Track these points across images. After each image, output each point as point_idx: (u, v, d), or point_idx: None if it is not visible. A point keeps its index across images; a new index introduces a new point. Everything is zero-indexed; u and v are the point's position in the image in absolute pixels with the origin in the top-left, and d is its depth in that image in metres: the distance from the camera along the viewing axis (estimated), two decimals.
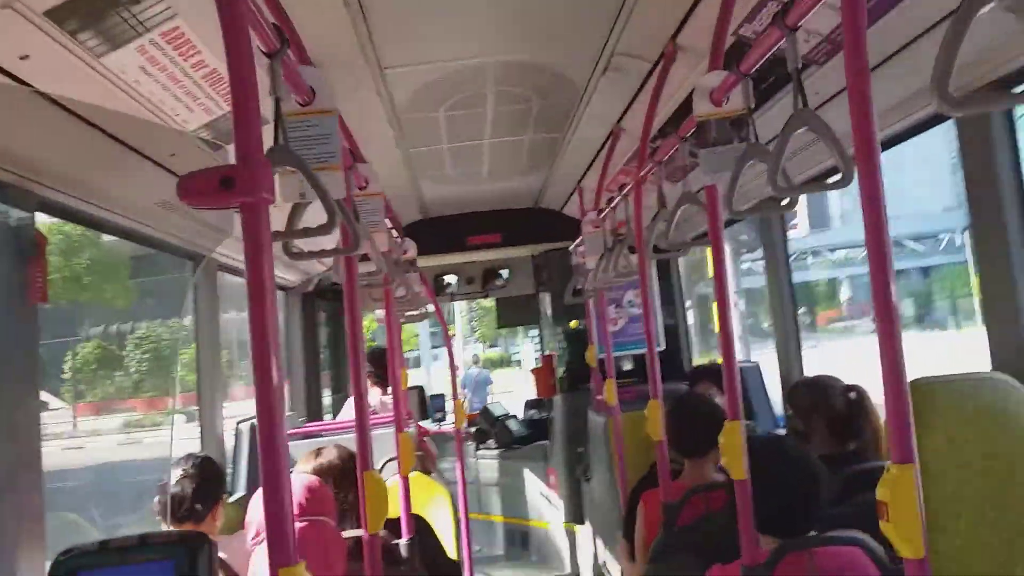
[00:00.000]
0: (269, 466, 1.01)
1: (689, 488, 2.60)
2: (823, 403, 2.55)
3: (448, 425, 5.83)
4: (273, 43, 1.29)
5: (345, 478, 2.09)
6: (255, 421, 4.12)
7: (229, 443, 3.80)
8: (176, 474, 2.31)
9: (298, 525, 1.70)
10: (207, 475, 2.44)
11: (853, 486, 2.38)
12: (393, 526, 2.45)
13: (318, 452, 2.40)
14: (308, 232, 1.34)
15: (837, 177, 1.44)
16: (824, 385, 2.59)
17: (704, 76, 1.86)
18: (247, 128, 1.02)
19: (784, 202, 1.69)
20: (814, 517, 1.92)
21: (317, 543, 1.71)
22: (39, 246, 2.20)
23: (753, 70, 1.69)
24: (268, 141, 1.40)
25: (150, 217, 2.79)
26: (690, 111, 2.15)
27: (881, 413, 2.65)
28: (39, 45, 1.63)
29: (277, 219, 1.39)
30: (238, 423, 3.97)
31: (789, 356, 3.58)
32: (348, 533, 2.02)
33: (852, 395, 2.50)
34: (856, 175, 1.21)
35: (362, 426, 1.79)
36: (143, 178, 2.55)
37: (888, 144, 2.41)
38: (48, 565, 1.97)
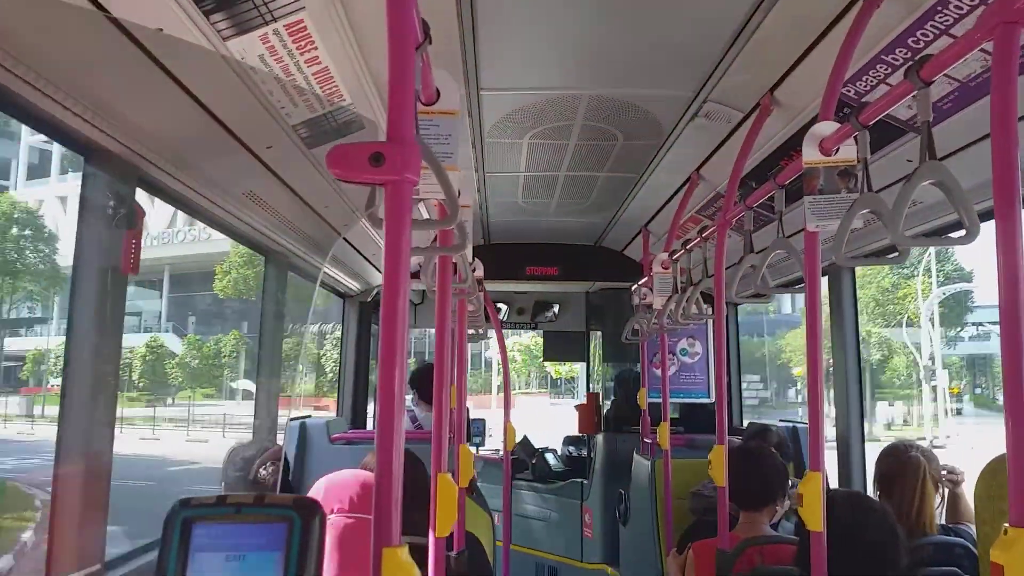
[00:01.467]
0: (384, 451, 1.01)
1: (743, 539, 2.54)
2: (879, 465, 2.52)
3: (485, 451, 5.79)
4: (419, 37, 1.32)
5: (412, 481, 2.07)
6: (305, 420, 4.17)
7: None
8: (267, 465, 2.31)
9: (345, 517, 1.69)
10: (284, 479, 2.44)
11: (920, 557, 2.31)
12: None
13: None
14: (432, 223, 1.35)
15: (962, 233, 1.41)
16: (895, 448, 2.55)
17: (816, 125, 1.86)
18: (401, 108, 1.04)
19: (894, 254, 1.66)
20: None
21: (364, 539, 1.70)
22: (137, 218, 2.25)
23: (873, 122, 1.68)
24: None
25: (237, 207, 2.85)
26: (776, 163, 2.16)
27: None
28: (175, 19, 1.68)
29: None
30: (289, 420, 4.00)
31: (850, 418, 3.50)
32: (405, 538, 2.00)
33: (904, 456, 2.46)
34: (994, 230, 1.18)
35: (439, 433, 1.78)
36: (237, 167, 2.61)
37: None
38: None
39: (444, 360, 1.84)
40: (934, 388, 28.99)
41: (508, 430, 4.63)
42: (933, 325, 29.58)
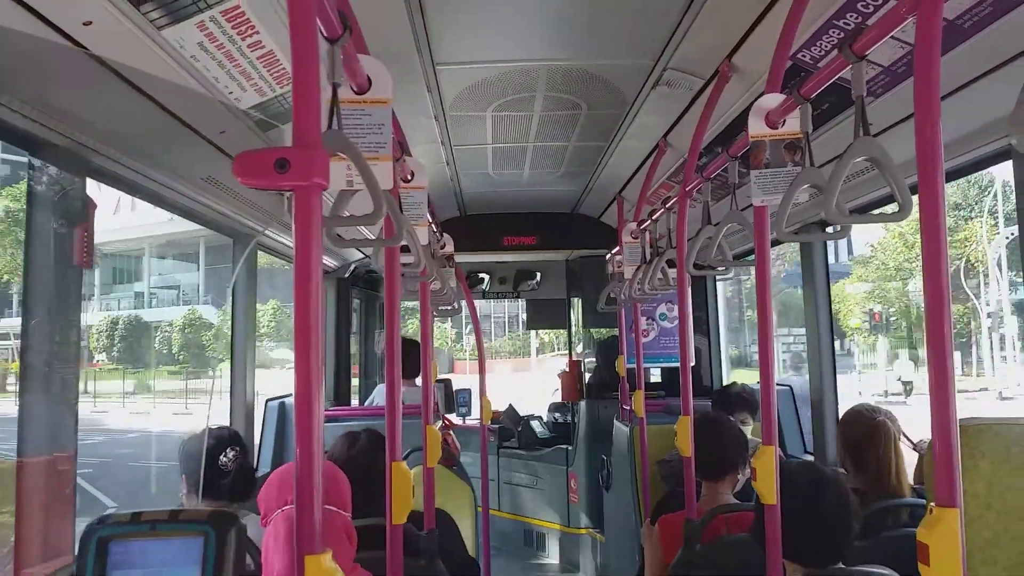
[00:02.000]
0: (304, 449, 1.01)
1: (711, 509, 2.57)
2: (845, 432, 2.53)
3: (473, 420, 5.84)
4: (336, 29, 1.29)
5: (373, 463, 2.08)
6: (284, 400, 4.18)
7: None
8: (226, 452, 2.29)
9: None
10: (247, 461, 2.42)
11: (877, 522, 2.34)
12: (415, 517, 2.45)
13: (355, 435, 2.40)
14: (355, 220, 1.34)
15: (894, 209, 1.40)
16: (853, 413, 2.56)
17: (762, 97, 1.83)
18: (306, 113, 1.02)
19: (834, 229, 1.65)
20: (845, 549, 1.88)
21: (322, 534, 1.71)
22: (88, 211, 2.23)
23: (814, 95, 1.66)
24: (323, 125, 1.41)
25: (197, 192, 2.82)
26: (739, 130, 2.13)
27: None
28: (102, 12, 1.65)
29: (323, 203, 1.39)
30: (267, 401, 4.01)
31: (823, 382, 3.52)
32: (368, 521, 2.01)
33: (871, 422, 2.46)
34: (917, 207, 1.17)
35: (393, 417, 1.78)
36: (192, 153, 2.58)
37: (949, 177, 2.37)
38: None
39: (395, 343, 1.84)
40: (1002, 336, 27.13)
41: (484, 404, 4.65)
42: (1001, 270, 27.39)
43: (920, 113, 1.16)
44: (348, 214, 1.39)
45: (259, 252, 3.86)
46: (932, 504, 1.14)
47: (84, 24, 1.69)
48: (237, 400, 3.57)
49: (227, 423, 3.44)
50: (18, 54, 1.76)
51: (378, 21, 2.30)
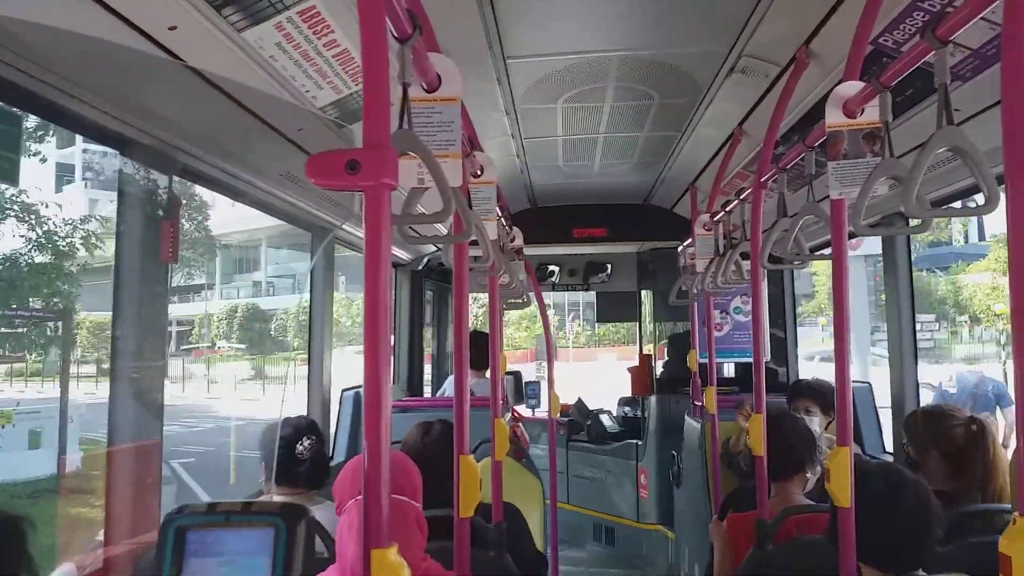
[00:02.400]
0: (372, 445, 1.03)
1: (782, 510, 2.51)
2: (940, 434, 2.41)
3: (542, 413, 5.86)
4: (406, 29, 1.31)
5: (443, 455, 2.11)
6: (359, 389, 4.28)
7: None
8: (303, 440, 2.36)
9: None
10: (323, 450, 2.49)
11: (965, 527, 2.24)
12: (483, 510, 2.48)
13: (428, 426, 2.45)
14: (424, 218, 1.36)
15: (980, 201, 1.34)
16: (943, 414, 2.45)
17: (839, 86, 1.78)
18: (376, 114, 1.04)
19: (916, 222, 1.59)
20: (925, 554, 1.82)
21: (391, 521, 1.74)
22: (174, 208, 2.33)
23: (895, 83, 1.59)
24: (394, 124, 1.43)
25: (276, 188, 2.91)
26: (817, 119, 2.07)
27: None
28: (186, 17, 1.71)
29: (395, 199, 1.42)
30: (343, 391, 4.11)
31: (904, 379, 3.40)
32: (438, 512, 2.04)
33: (973, 427, 2.35)
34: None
35: (461, 410, 1.81)
36: (271, 150, 2.66)
37: None
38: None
39: (463, 337, 1.86)
40: None
41: (552, 398, 4.65)
42: None
43: (1008, 97, 1.10)
44: (419, 211, 1.41)
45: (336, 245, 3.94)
46: (1016, 514, 1.09)
47: (169, 29, 1.76)
48: (314, 389, 3.67)
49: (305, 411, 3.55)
50: (107, 57, 1.84)
51: (449, 18, 2.32)
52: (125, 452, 2.15)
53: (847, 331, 1.84)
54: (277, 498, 2.29)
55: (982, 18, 1.38)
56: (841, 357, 1.83)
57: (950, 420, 2.40)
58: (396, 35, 1.32)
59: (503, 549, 2.39)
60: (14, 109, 1.92)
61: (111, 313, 2.23)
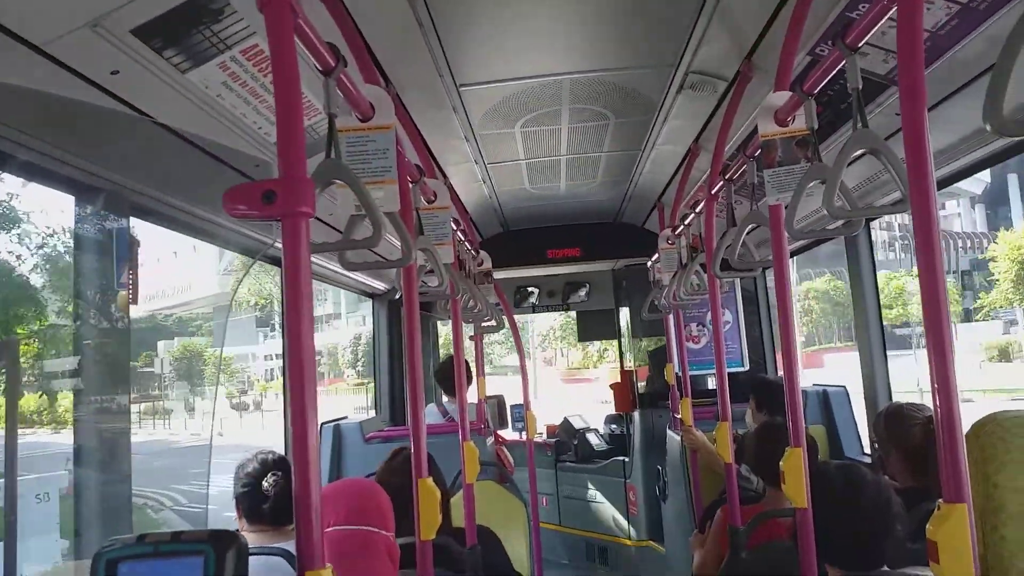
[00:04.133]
0: (300, 469, 1.05)
1: (756, 515, 2.53)
2: (900, 433, 2.43)
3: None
4: (328, 61, 1.35)
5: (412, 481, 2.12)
6: (339, 422, 4.26)
7: None
8: (268, 477, 2.35)
9: (340, 530, 1.74)
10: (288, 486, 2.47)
11: (925, 524, 2.26)
12: (460, 535, 2.48)
13: (394, 453, 2.45)
14: (351, 244, 1.38)
15: (898, 199, 1.38)
16: (903, 414, 2.47)
17: (770, 96, 1.83)
18: (290, 145, 1.07)
19: (842, 224, 1.62)
20: (887, 552, 1.83)
21: (360, 552, 1.75)
22: (132, 249, 2.35)
23: (817, 90, 1.64)
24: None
25: (241, 225, 2.93)
26: None
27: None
28: (127, 61, 1.75)
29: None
30: (322, 424, 4.10)
31: (875, 380, 3.44)
32: (409, 540, 2.05)
33: (931, 425, 2.37)
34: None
35: (417, 434, 1.82)
36: (227, 186, 2.68)
37: (947, 180, 2.33)
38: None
39: (416, 363, 1.88)
40: None
41: (528, 419, 4.66)
42: None
43: (907, 108, 1.15)
44: (351, 238, 1.44)
45: None
46: (940, 500, 1.12)
47: (112, 73, 1.80)
48: (295, 426, 3.66)
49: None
50: (55, 104, 1.87)
51: (398, 50, 2.37)
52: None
53: (793, 333, 1.87)
54: (247, 535, 2.28)
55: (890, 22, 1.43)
56: (789, 359, 1.86)
57: (909, 420, 2.42)
58: (320, 68, 1.36)
59: (478, 572, 2.39)
60: None
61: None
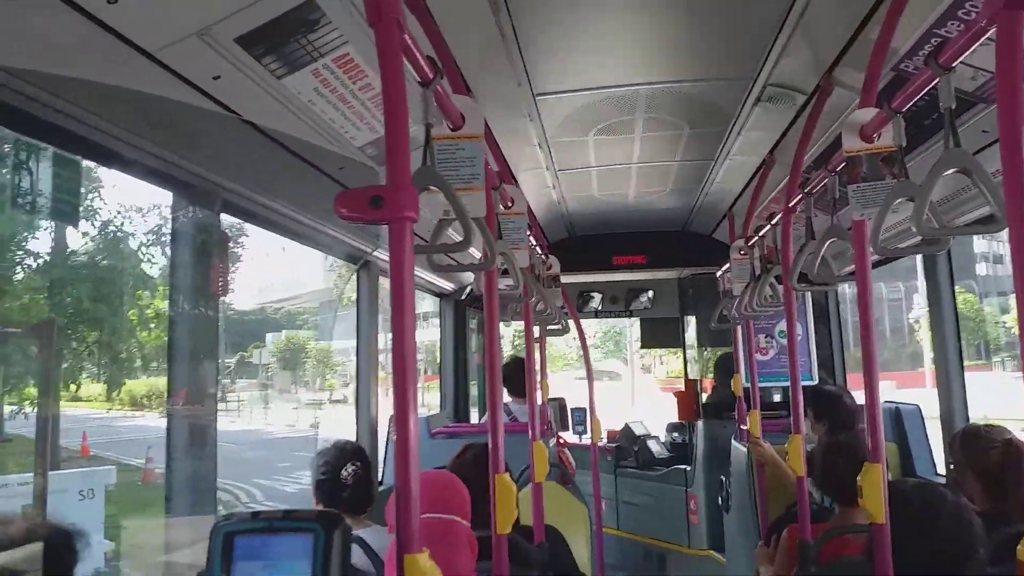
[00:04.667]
0: (401, 459, 1.10)
1: (825, 530, 2.50)
2: (976, 455, 2.39)
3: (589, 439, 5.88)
4: (427, 74, 1.41)
5: (479, 476, 2.17)
6: None
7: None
8: (347, 466, 2.44)
9: (425, 518, 1.80)
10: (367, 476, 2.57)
11: (1006, 548, 2.21)
12: (526, 532, 2.53)
13: (464, 449, 2.52)
14: (444, 247, 1.44)
15: (984, 215, 1.38)
16: (980, 436, 2.43)
17: (855, 112, 1.82)
18: (397, 154, 1.13)
19: (929, 242, 1.61)
20: (967, 572, 1.81)
21: (442, 540, 1.80)
22: (223, 244, 2.47)
23: (907, 108, 1.64)
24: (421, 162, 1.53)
25: (321, 223, 3.04)
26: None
27: None
28: (229, 67, 1.85)
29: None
30: (391, 417, 4.19)
31: (952, 400, 3.36)
32: (477, 533, 2.10)
33: (1010, 448, 2.32)
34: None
35: (495, 430, 1.87)
36: (315, 187, 2.79)
37: None
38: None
39: (495, 361, 1.93)
40: None
41: (593, 423, 4.68)
42: None
43: (1004, 121, 1.14)
44: (443, 242, 1.50)
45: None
46: None
47: (214, 79, 1.90)
48: (362, 416, 3.77)
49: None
50: (158, 105, 1.99)
51: (480, 61, 2.43)
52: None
53: (875, 350, 1.86)
54: None
55: (990, 39, 1.43)
56: (870, 376, 1.85)
57: (986, 442, 2.38)
58: (419, 80, 1.42)
59: (545, 569, 2.43)
60: (75, 156, 2.08)
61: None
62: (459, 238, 1.43)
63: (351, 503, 2.40)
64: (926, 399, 3.91)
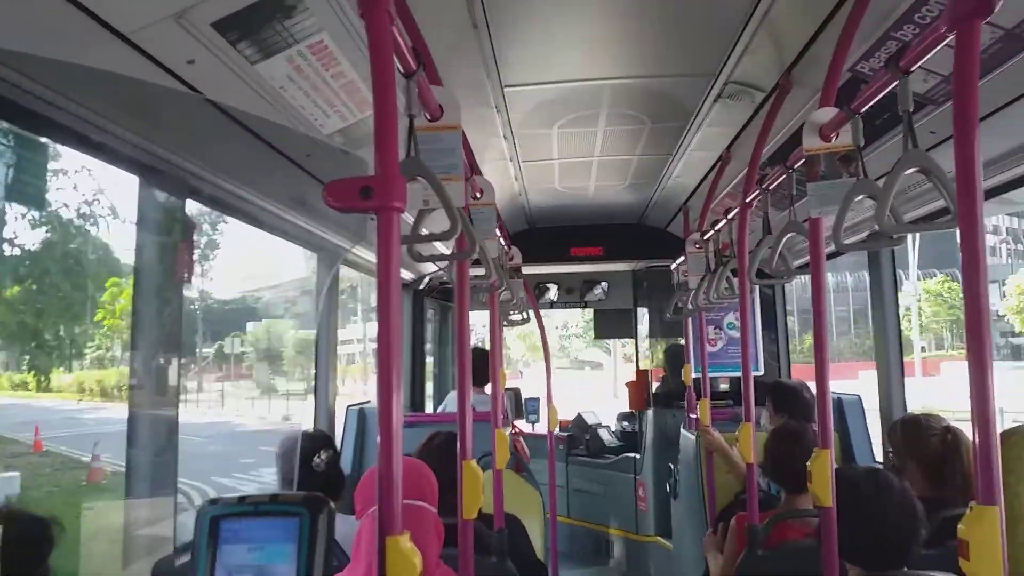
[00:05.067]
0: (384, 444, 1.13)
1: (773, 514, 2.60)
2: (917, 443, 2.51)
3: (541, 428, 5.96)
4: (411, 65, 1.43)
5: (445, 464, 2.20)
6: (363, 406, 4.37)
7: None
8: (320, 454, 2.44)
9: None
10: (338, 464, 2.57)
11: (948, 530, 2.33)
12: (486, 519, 2.57)
13: (431, 436, 2.54)
14: (433, 237, 1.47)
15: (947, 217, 1.46)
16: (920, 424, 2.55)
17: (815, 112, 1.90)
18: (386, 144, 1.15)
19: (891, 239, 1.70)
20: (910, 555, 1.91)
21: (412, 526, 1.82)
22: (188, 229, 2.44)
23: (864, 109, 1.71)
24: (401, 152, 1.55)
25: (286, 212, 3.03)
26: (800, 142, 2.20)
27: None
28: (203, 52, 1.84)
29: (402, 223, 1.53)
30: (348, 407, 4.20)
31: (891, 391, 3.51)
32: (443, 520, 2.13)
33: (948, 437, 2.45)
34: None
35: (463, 418, 1.90)
36: (282, 176, 2.78)
37: (996, 191, 2.40)
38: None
39: (465, 351, 1.97)
40: None
41: (551, 411, 4.75)
42: None
43: (959, 123, 1.22)
44: (426, 232, 1.52)
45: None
46: (973, 502, 1.19)
47: (188, 63, 1.89)
48: (320, 405, 3.77)
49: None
50: (128, 88, 1.96)
51: (450, 51, 2.45)
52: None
53: (826, 342, 1.94)
54: None
55: (948, 45, 1.51)
56: (821, 366, 1.93)
57: (926, 430, 2.49)
58: (402, 71, 1.44)
59: (504, 555, 2.48)
60: (41, 138, 2.04)
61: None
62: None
63: (324, 491, 2.40)
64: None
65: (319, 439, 2.51)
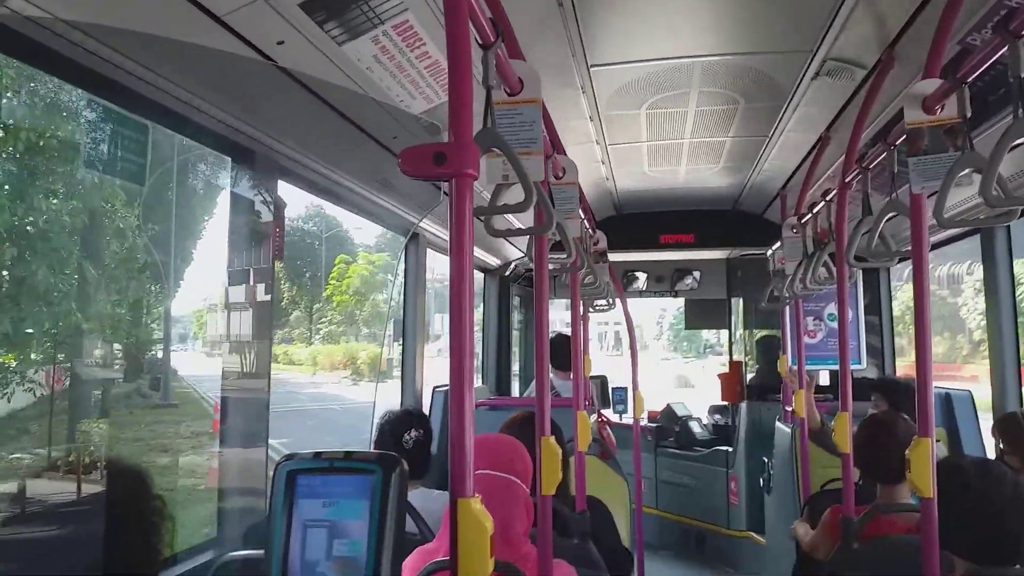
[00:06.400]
0: (456, 413, 1.13)
1: (871, 506, 2.49)
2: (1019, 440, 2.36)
3: (629, 418, 5.90)
4: (489, 36, 1.42)
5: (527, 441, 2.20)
6: (447, 389, 4.45)
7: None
8: (409, 432, 2.50)
9: (487, 474, 1.83)
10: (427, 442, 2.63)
11: None
12: (570, 502, 2.56)
13: (513, 417, 2.56)
14: (506, 208, 1.46)
15: None
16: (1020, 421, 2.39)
17: (918, 83, 1.79)
18: (460, 111, 1.15)
19: (996, 214, 1.58)
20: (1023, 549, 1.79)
21: (501, 495, 1.82)
22: (278, 209, 2.53)
23: (971, 78, 1.60)
24: (481, 125, 1.55)
25: (372, 192, 3.09)
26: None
27: None
28: (293, 32, 1.89)
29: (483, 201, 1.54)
30: (434, 388, 4.27)
31: (1005, 385, 3.30)
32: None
33: None
34: None
35: (541, 396, 1.90)
36: (369, 156, 2.83)
37: None
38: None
39: (544, 331, 1.95)
40: None
41: (636, 399, 4.69)
42: None
43: None
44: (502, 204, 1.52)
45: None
46: None
47: (278, 43, 1.94)
48: (407, 386, 3.84)
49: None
50: (221, 70, 2.04)
51: (535, 30, 2.43)
52: None
53: (928, 329, 1.83)
54: None
55: None
56: (923, 355, 1.83)
57: None
58: (480, 42, 1.44)
59: (586, 537, 2.46)
60: (144, 120, 2.15)
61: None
62: None
63: (409, 468, 2.46)
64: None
65: (415, 417, 2.56)
